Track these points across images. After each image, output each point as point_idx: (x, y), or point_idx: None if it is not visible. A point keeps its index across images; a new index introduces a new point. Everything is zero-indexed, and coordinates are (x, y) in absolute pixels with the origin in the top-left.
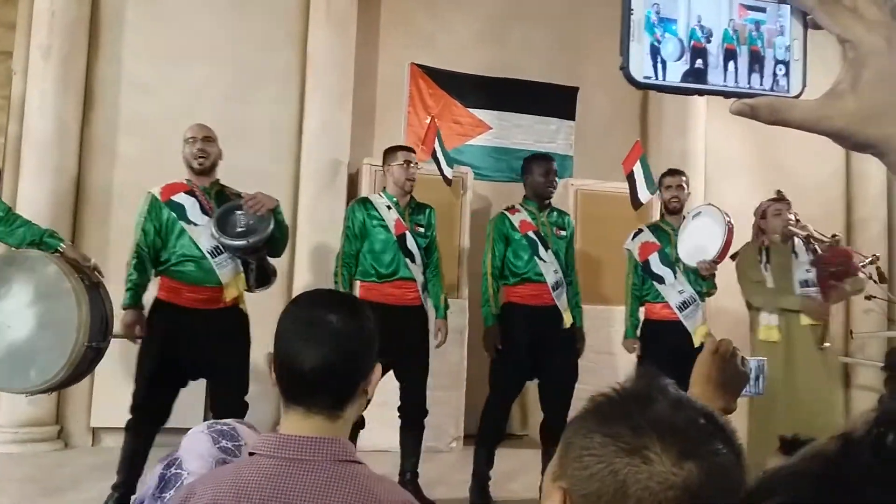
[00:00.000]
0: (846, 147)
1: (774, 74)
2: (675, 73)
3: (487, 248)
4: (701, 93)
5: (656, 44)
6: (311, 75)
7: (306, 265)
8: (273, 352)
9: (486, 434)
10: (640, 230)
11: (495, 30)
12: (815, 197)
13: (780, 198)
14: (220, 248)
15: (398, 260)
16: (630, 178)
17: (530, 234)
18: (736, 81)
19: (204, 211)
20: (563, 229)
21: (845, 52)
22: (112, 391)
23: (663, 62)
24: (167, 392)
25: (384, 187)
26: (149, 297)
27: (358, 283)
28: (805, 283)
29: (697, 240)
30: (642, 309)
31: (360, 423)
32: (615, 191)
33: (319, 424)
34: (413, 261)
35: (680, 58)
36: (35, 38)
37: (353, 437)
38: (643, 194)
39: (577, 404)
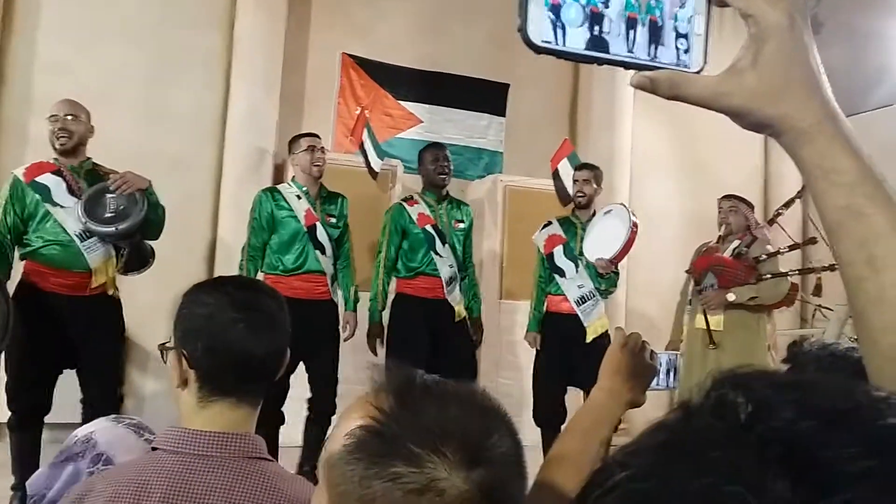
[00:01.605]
0: (744, 126)
1: (676, 48)
2: (576, 39)
3: (383, 241)
4: (600, 62)
5: (555, 7)
6: (237, 60)
7: (227, 254)
8: (187, 343)
9: None
10: (550, 223)
11: (429, 23)
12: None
13: (727, 195)
14: (88, 231)
15: (307, 252)
16: (556, 176)
17: (428, 227)
18: (637, 52)
19: (72, 192)
20: (462, 221)
21: (748, 27)
22: None
23: (563, 27)
24: (43, 381)
25: (293, 177)
26: (12, 283)
27: (262, 276)
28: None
29: (603, 237)
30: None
31: (280, 419)
32: (544, 187)
33: (243, 415)
34: (323, 252)
35: (582, 24)
36: None
37: (274, 433)
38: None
39: (503, 399)
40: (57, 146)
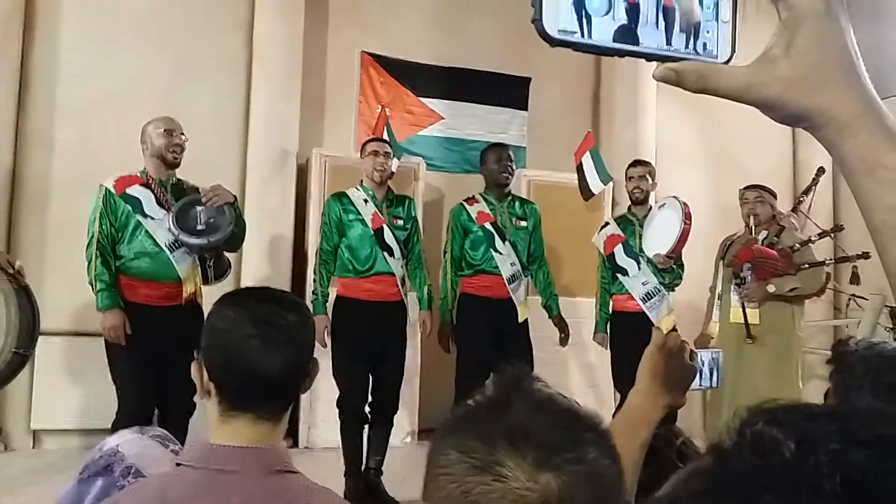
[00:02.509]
0: (776, 119)
1: (702, 37)
2: (602, 29)
3: (448, 241)
4: (621, 54)
5: None
6: (257, 62)
7: (255, 256)
8: (208, 356)
9: None
10: (607, 223)
11: (447, 18)
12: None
13: (751, 185)
14: (178, 242)
15: (375, 254)
16: (580, 169)
17: (487, 225)
18: (662, 43)
19: (160, 204)
20: (525, 219)
21: (779, 12)
22: (53, 393)
23: (588, 16)
24: (152, 393)
25: (361, 181)
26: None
27: (336, 279)
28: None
29: (659, 232)
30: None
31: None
32: (568, 181)
33: (264, 431)
34: (391, 255)
35: (608, 12)
36: None
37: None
38: (595, 185)
39: None
40: (169, 159)
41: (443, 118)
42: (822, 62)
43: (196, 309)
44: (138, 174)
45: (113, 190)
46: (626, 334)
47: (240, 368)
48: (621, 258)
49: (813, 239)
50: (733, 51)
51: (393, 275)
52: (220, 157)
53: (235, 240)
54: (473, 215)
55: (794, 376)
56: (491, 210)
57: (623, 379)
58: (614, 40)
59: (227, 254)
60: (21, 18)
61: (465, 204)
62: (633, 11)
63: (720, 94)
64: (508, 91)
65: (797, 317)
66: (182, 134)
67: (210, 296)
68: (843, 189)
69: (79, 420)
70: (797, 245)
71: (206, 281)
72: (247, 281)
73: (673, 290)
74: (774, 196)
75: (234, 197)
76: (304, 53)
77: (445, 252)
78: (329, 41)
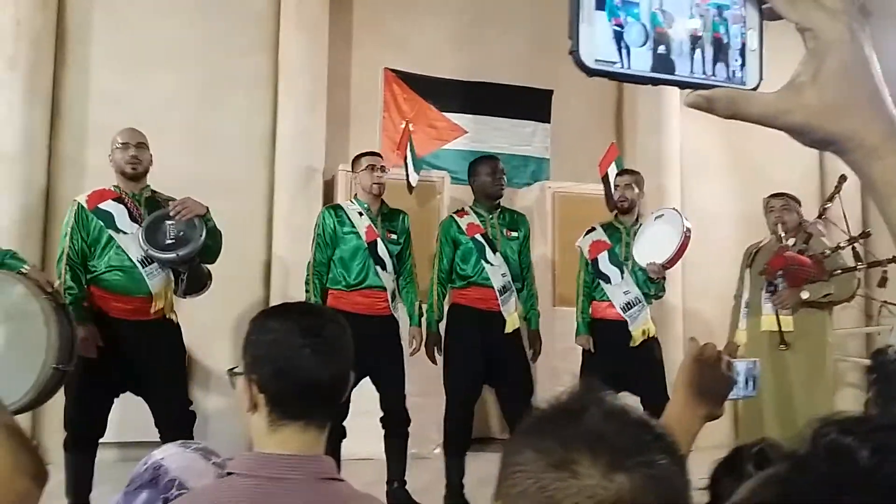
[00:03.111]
0: (805, 144)
1: (732, 65)
2: (640, 59)
3: (436, 253)
4: (655, 82)
5: (619, 28)
6: (283, 81)
7: (282, 273)
8: (256, 368)
9: (452, 441)
10: (593, 228)
11: (469, 33)
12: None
13: (776, 193)
14: (149, 257)
15: (368, 268)
16: (605, 180)
17: (477, 236)
18: (695, 71)
19: (133, 218)
20: (515, 230)
21: (805, 41)
22: None
23: (626, 47)
24: (100, 405)
25: (355, 194)
26: None
27: (328, 291)
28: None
29: (654, 242)
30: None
31: (342, 434)
32: (593, 193)
33: (312, 438)
34: (384, 268)
35: (644, 44)
36: (0, 48)
37: (336, 447)
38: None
39: None
40: (128, 171)
41: (466, 132)
42: (848, 89)
43: (168, 323)
44: (112, 188)
45: (85, 205)
46: (603, 342)
47: (292, 378)
48: (605, 265)
49: (842, 245)
50: (761, 78)
51: (384, 289)
52: (247, 175)
53: (209, 252)
54: (464, 227)
55: (827, 384)
56: (481, 222)
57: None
58: (652, 70)
59: (206, 266)
60: (52, 41)
61: (454, 216)
62: (667, 41)
63: (751, 120)
64: (531, 104)
65: (827, 323)
66: (140, 144)
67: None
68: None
69: (115, 433)
70: (827, 251)
71: (175, 293)
72: (274, 296)
73: (651, 302)
74: (799, 204)
75: (206, 209)
76: (328, 71)
77: (434, 265)
78: (353, 58)
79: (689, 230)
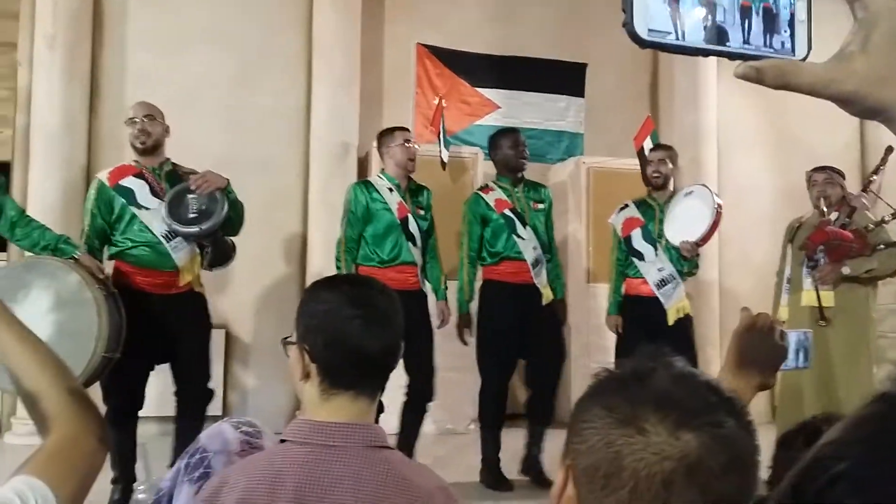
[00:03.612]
0: (853, 113)
1: (782, 36)
2: (694, 31)
3: (464, 232)
4: (706, 54)
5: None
6: (317, 59)
7: (319, 250)
8: (309, 338)
9: (487, 416)
10: (626, 205)
11: (501, 7)
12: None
13: (819, 167)
14: (173, 232)
15: (401, 244)
16: (641, 155)
17: (507, 211)
18: (746, 42)
19: (155, 193)
20: (541, 202)
21: (854, 11)
22: None
23: (681, 18)
24: (136, 379)
25: (382, 169)
26: None
27: (357, 267)
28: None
29: (686, 219)
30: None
31: (380, 408)
32: (628, 167)
33: (362, 407)
34: (414, 244)
35: (697, 14)
36: (39, 27)
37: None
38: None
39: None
40: (137, 146)
41: (499, 107)
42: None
43: (195, 297)
44: (132, 164)
45: (106, 182)
46: (636, 319)
47: (343, 348)
48: (638, 242)
49: (886, 219)
50: (809, 48)
51: (415, 264)
52: (282, 152)
53: (232, 224)
54: (492, 203)
55: (869, 360)
56: (507, 196)
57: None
58: (705, 41)
59: (230, 238)
60: (90, 20)
61: (480, 193)
62: (719, 11)
63: (801, 90)
64: (564, 78)
65: (871, 299)
66: (149, 116)
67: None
68: None
69: (155, 407)
70: (871, 225)
71: (202, 266)
72: (312, 273)
73: (686, 279)
74: (843, 177)
75: (226, 181)
76: (361, 48)
77: (462, 245)
78: (385, 35)
79: (720, 206)
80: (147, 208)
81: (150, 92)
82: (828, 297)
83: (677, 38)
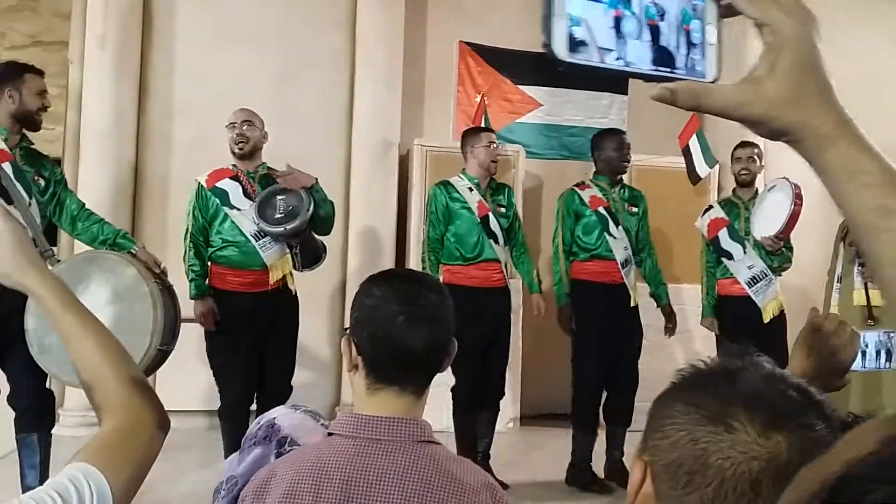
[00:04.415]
0: (761, 135)
1: (694, 58)
2: (636, 52)
3: (557, 225)
4: (618, 75)
5: (617, 20)
6: (360, 56)
7: (359, 247)
8: (357, 332)
9: (583, 417)
10: (710, 206)
11: (543, 5)
12: None
13: None
14: (262, 231)
15: (482, 242)
16: (686, 152)
17: (601, 209)
18: (666, 63)
19: (247, 195)
20: (636, 206)
21: (763, 36)
22: (178, 376)
23: (623, 39)
24: (252, 377)
25: (463, 169)
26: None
27: (442, 266)
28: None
29: (768, 214)
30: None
31: None
32: (671, 166)
33: (408, 403)
34: (496, 242)
35: (639, 36)
36: (90, 27)
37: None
38: (701, 168)
39: (644, 384)
40: (236, 151)
41: (541, 105)
42: (802, 82)
43: (287, 294)
44: (230, 167)
45: (205, 184)
46: (731, 319)
47: (387, 343)
48: (726, 242)
49: None
50: (719, 71)
51: (498, 261)
52: (325, 149)
53: (320, 223)
54: (586, 199)
55: None
56: (603, 195)
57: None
58: (621, 63)
59: (320, 238)
60: (139, 20)
61: (576, 188)
62: (633, 32)
63: (712, 112)
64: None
65: None
66: (247, 122)
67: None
68: None
69: (204, 402)
70: None
71: (294, 267)
72: (352, 270)
73: (780, 275)
74: None
75: (314, 179)
76: (404, 46)
77: (555, 238)
78: (428, 33)
79: (799, 196)
80: (239, 209)
81: (197, 90)
82: (877, 296)
83: (599, 60)
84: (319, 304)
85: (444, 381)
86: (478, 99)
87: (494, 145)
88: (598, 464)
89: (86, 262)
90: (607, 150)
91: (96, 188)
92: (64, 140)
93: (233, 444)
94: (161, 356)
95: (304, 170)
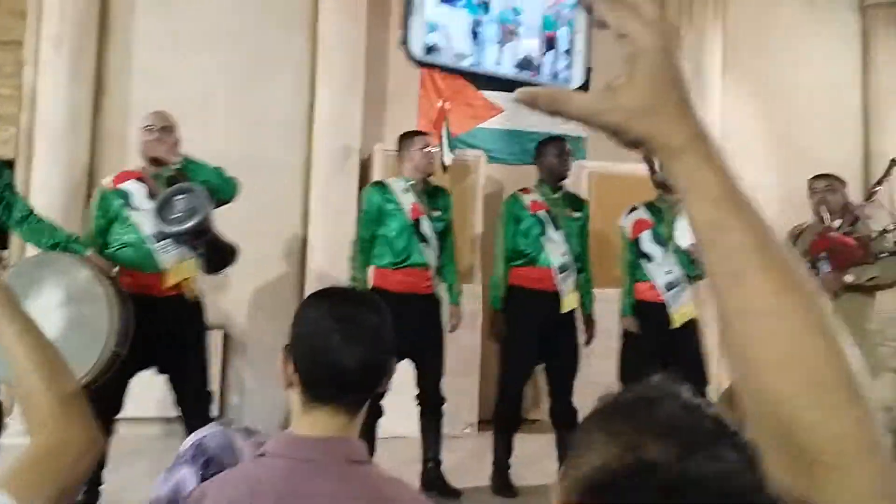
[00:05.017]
0: (619, 143)
1: (559, 65)
2: (494, 57)
3: (500, 231)
4: (486, 78)
5: (477, 24)
6: (321, 61)
7: (320, 252)
8: (294, 349)
9: (502, 422)
10: (635, 207)
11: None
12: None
13: (820, 175)
14: (162, 233)
15: (412, 245)
16: (647, 158)
17: (540, 213)
18: (524, 69)
19: (152, 197)
20: (578, 211)
21: (623, 47)
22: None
23: (482, 44)
24: (115, 385)
25: (399, 172)
26: None
27: (371, 268)
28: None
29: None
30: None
31: (379, 412)
32: (631, 173)
33: (342, 423)
34: (428, 246)
35: (499, 41)
36: (45, 26)
37: (373, 425)
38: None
39: (596, 389)
40: (148, 154)
41: (503, 110)
42: (658, 93)
43: (185, 301)
44: (139, 169)
45: (109, 185)
46: (643, 324)
47: (321, 362)
48: (648, 244)
49: (889, 228)
50: (585, 79)
51: (428, 267)
52: (285, 154)
53: (216, 192)
54: (527, 204)
55: (865, 370)
56: (545, 199)
57: (629, 369)
58: (486, 65)
59: (231, 243)
60: (96, 21)
61: (519, 193)
62: (493, 36)
63: (571, 118)
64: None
65: (868, 308)
66: (165, 128)
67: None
68: None
69: (158, 408)
70: (874, 234)
71: (206, 271)
72: (312, 275)
73: (694, 283)
74: (844, 184)
75: (181, 157)
76: (366, 50)
77: (497, 244)
78: (390, 37)
79: None
80: (140, 210)
81: (155, 92)
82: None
83: (472, 60)
84: (278, 308)
85: (403, 388)
86: (440, 104)
87: (429, 149)
88: (535, 468)
89: (38, 266)
90: (549, 156)
91: (49, 190)
92: (17, 141)
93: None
94: (114, 358)
95: (263, 172)
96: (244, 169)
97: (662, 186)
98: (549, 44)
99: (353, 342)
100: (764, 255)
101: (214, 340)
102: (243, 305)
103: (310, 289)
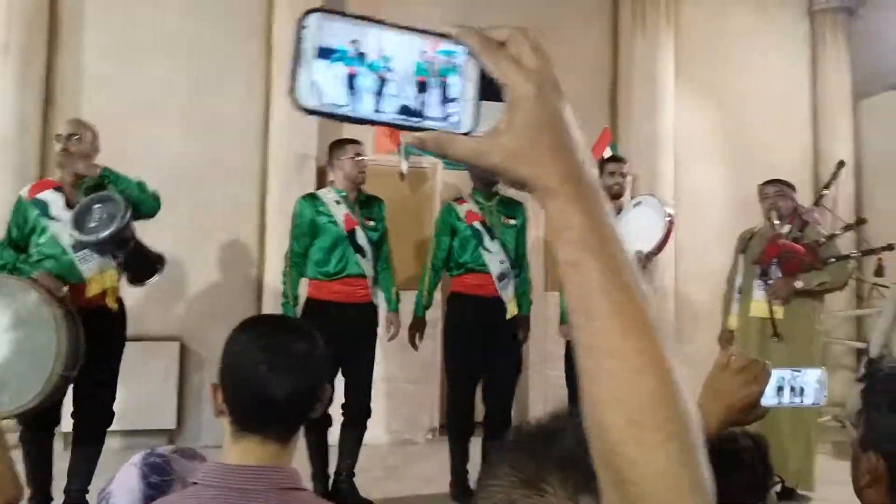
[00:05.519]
0: (506, 183)
1: (448, 111)
2: (366, 102)
3: (432, 241)
4: (374, 123)
5: (351, 76)
6: (276, 66)
7: (275, 259)
8: (223, 379)
9: (455, 428)
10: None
11: (466, 17)
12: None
13: (771, 180)
14: (81, 243)
15: (347, 256)
16: (601, 165)
17: (476, 224)
18: (419, 114)
19: (70, 206)
20: (513, 218)
21: (504, 94)
22: None
23: (358, 93)
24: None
25: (331, 181)
26: None
27: (306, 280)
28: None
29: (637, 230)
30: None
31: (328, 422)
32: None
33: (272, 451)
34: (363, 256)
35: (377, 91)
36: None
37: (322, 434)
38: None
39: (550, 391)
40: (62, 163)
41: None
42: (535, 138)
43: (105, 312)
44: (58, 179)
45: (26, 196)
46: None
47: (248, 392)
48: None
49: (837, 233)
50: (475, 124)
51: (364, 277)
52: (241, 161)
53: (138, 207)
54: (462, 214)
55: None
56: (480, 209)
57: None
58: (375, 111)
59: (157, 252)
60: (45, 26)
61: (453, 203)
62: (393, 86)
63: (457, 160)
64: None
65: (817, 311)
66: (72, 135)
67: (229, 304)
68: (866, 183)
69: (119, 422)
70: (822, 239)
71: (131, 281)
72: (269, 282)
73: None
74: (794, 190)
75: (99, 169)
76: None
77: (429, 252)
78: None
79: (671, 217)
80: (58, 220)
81: (107, 99)
82: (779, 311)
83: (349, 109)
84: (235, 317)
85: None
86: None
87: (359, 157)
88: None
89: None
90: None
91: None
92: None
93: (32, 468)
94: (63, 382)
95: (219, 180)
96: (199, 177)
97: (612, 193)
98: (421, 87)
99: (280, 372)
100: (618, 298)
101: (170, 353)
102: (198, 314)
103: (267, 298)
